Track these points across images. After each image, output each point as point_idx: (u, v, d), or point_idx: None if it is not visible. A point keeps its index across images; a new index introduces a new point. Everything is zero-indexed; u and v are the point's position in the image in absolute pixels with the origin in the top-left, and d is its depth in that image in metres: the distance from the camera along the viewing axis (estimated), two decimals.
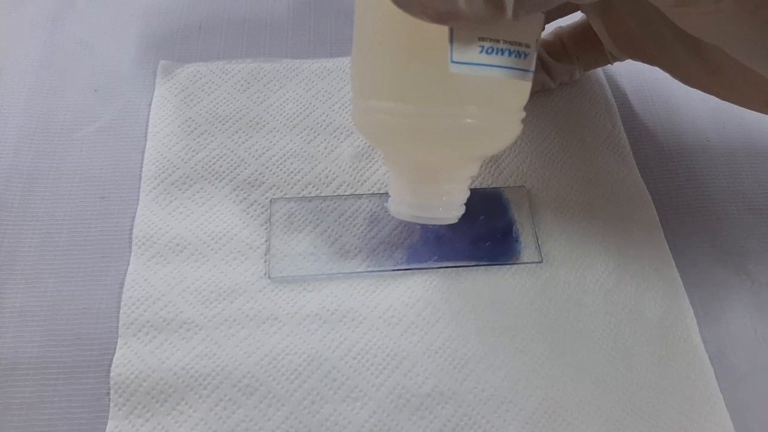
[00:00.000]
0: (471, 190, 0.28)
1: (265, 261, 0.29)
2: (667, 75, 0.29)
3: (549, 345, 0.28)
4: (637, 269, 0.30)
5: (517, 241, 0.30)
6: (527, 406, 0.26)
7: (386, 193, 0.31)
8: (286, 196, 0.31)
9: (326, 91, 0.35)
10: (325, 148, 0.33)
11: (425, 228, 0.30)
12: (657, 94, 0.36)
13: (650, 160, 0.34)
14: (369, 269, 0.29)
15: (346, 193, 0.32)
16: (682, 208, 0.32)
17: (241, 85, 0.35)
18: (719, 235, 0.31)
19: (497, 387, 0.27)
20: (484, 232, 0.30)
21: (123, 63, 0.36)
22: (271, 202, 0.31)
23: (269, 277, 0.29)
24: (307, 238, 0.30)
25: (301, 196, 0.31)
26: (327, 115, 0.34)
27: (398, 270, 0.29)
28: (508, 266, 0.30)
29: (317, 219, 0.31)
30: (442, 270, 0.29)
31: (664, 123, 0.35)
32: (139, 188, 0.31)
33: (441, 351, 0.27)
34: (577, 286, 0.29)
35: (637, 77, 0.37)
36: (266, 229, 0.30)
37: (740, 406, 0.27)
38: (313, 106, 0.34)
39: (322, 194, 0.31)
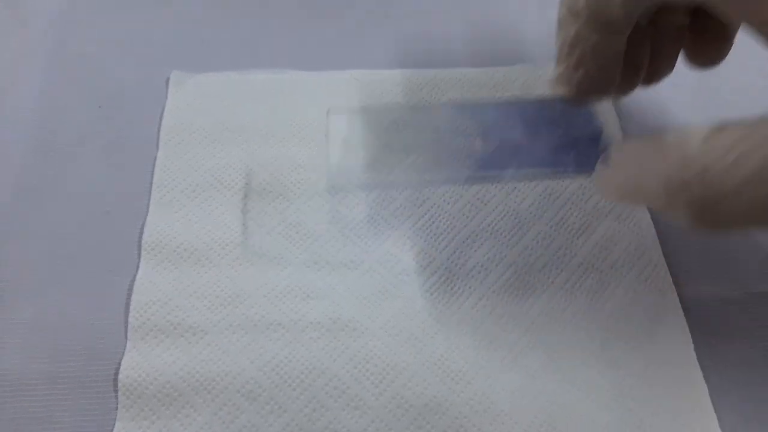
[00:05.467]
0: (553, 98, 0.26)
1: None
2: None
3: (545, 358, 0.28)
4: (630, 280, 0.30)
5: (605, 150, 0.26)
6: (523, 419, 0.27)
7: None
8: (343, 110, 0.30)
9: (337, 102, 0.36)
10: (348, 159, 0.33)
11: (502, 136, 0.28)
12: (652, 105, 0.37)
13: None
14: (437, 178, 0.27)
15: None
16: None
17: (253, 96, 0.36)
18: (712, 246, 0.32)
19: (494, 400, 0.27)
20: (567, 141, 0.28)
21: (127, 78, 0.37)
22: (328, 112, 0.29)
23: (329, 188, 0.29)
24: (368, 148, 0.29)
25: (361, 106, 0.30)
26: (349, 127, 0.35)
27: (474, 177, 0.27)
28: (503, 280, 0.30)
29: (378, 130, 0.29)
30: (442, 282, 0.30)
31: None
32: (144, 203, 0.32)
33: (440, 363, 0.28)
34: (570, 299, 0.30)
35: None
36: (277, 232, 0.31)
37: (735, 420, 0.28)
38: (323, 117, 0.35)
39: (334, 202, 0.32)
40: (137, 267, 0.30)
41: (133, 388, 0.27)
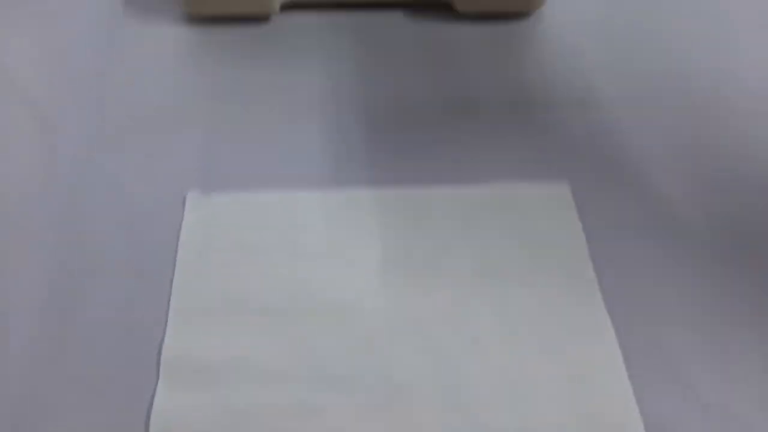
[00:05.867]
0: None
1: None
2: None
3: None
4: (596, 401, 0.33)
5: None
6: None
7: None
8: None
9: (353, 220, 0.39)
10: (354, 277, 0.36)
11: None
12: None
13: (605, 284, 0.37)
14: None
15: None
16: (633, 330, 0.35)
17: (265, 216, 0.39)
18: (672, 362, 0.34)
19: None
20: None
21: (147, 199, 0.40)
22: None
23: None
24: None
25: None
26: (353, 243, 0.38)
27: None
28: (488, 395, 0.33)
29: None
30: (434, 394, 0.33)
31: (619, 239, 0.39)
32: (163, 320, 0.35)
33: None
34: (545, 413, 0.32)
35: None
36: (284, 350, 0.34)
37: None
38: (334, 236, 0.38)
39: (337, 319, 0.35)
40: (155, 387, 0.33)
41: None
